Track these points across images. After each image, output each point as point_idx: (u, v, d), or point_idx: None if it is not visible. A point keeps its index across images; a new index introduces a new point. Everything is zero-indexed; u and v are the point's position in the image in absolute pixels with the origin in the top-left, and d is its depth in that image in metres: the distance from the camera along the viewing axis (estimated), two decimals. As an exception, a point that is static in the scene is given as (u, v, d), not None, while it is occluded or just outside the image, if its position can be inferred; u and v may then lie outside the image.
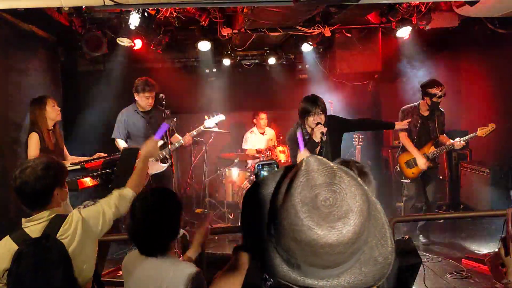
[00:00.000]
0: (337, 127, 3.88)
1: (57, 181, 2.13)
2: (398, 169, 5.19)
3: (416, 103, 5.03)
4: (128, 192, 2.31)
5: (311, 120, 3.67)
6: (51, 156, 2.28)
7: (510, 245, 1.66)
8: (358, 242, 0.89)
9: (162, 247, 1.96)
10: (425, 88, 4.86)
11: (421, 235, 5.10)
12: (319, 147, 3.65)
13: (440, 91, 4.77)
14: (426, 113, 4.97)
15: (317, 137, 3.60)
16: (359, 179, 0.90)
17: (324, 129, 3.59)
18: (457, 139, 4.82)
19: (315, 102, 3.68)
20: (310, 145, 3.63)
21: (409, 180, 5.09)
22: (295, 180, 0.90)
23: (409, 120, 4.63)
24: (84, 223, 2.07)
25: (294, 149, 3.76)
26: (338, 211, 0.86)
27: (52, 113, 4.10)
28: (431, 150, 4.95)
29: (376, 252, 0.94)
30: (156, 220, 1.91)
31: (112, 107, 5.68)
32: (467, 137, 4.83)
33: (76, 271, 2.00)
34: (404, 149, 5.11)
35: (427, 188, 5.09)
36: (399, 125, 4.51)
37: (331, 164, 0.92)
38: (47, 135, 4.06)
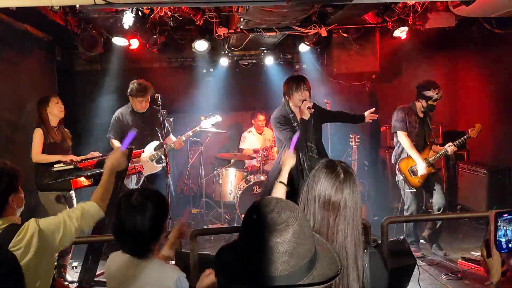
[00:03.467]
0: (318, 115, 3.92)
1: (11, 187, 2.00)
2: (402, 177, 4.68)
3: (411, 104, 4.75)
4: (93, 208, 2.17)
5: (297, 97, 3.72)
6: (2, 160, 2.11)
7: (492, 247, 1.65)
8: (303, 248, 1.13)
9: (146, 248, 1.93)
10: (421, 90, 4.59)
11: (434, 246, 4.80)
12: (311, 123, 3.75)
13: (437, 93, 4.51)
14: (421, 115, 4.72)
15: (306, 115, 3.68)
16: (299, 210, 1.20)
17: (310, 104, 3.68)
18: (449, 143, 4.59)
19: (301, 79, 3.78)
20: (302, 125, 3.69)
21: (414, 190, 4.68)
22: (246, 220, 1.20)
23: (373, 109, 4.15)
24: (40, 234, 1.95)
25: (279, 130, 3.81)
26: (280, 220, 1.14)
27: (55, 109, 4.22)
28: (431, 154, 4.67)
29: (328, 270, 1.20)
30: (139, 221, 1.87)
31: (108, 107, 5.68)
32: (458, 140, 4.57)
33: (28, 287, 1.85)
34: (403, 155, 4.71)
35: (435, 195, 4.70)
36: (368, 118, 4.17)
37: (274, 199, 1.22)
38: (52, 132, 4.21)
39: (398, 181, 4.82)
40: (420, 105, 4.67)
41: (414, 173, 4.65)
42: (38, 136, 4.13)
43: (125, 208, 1.90)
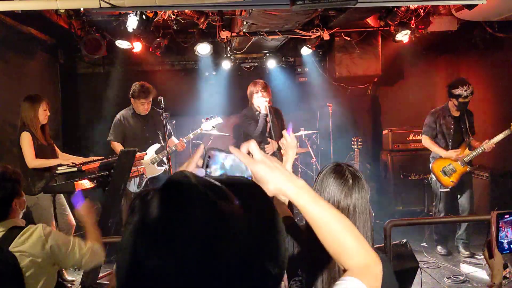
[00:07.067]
0: (276, 116, 4.64)
1: (15, 192, 2.01)
2: (434, 178, 4.79)
3: (445, 104, 4.80)
4: (98, 255, 2.20)
5: (256, 98, 4.49)
6: (4, 165, 2.12)
7: (494, 248, 1.66)
8: None
9: None
10: (450, 88, 4.62)
11: (460, 246, 4.84)
12: (267, 117, 4.46)
13: (466, 90, 4.51)
14: (456, 114, 4.74)
15: (262, 108, 4.43)
16: None
17: (266, 100, 4.41)
18: (486, 140, 4.52)
19: (258, 82, 4.59)
20: (261, 118, 4.48)
21: (448, 189, 4.73)
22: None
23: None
24: (46, 242, 1.95)
25: (245, 124, 4.63)
26: None
27: (41, 115, 4.08)
28: (466, 153, 4.65)
29: None
30: None
31: (111, 110, 5.69)
32: (497, 137, 4.46)
33: (31, 287, 1.87)
34: (436, 157, 4.80)
35: (465, 195, 4.77)
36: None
37: None
38: (38, 133, 4.04)
39: (431, 181, 4.94)
40: (452, 104, 4.70)
41: (447, 173, 4.71)
42: (27, 140, 3.94)
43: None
